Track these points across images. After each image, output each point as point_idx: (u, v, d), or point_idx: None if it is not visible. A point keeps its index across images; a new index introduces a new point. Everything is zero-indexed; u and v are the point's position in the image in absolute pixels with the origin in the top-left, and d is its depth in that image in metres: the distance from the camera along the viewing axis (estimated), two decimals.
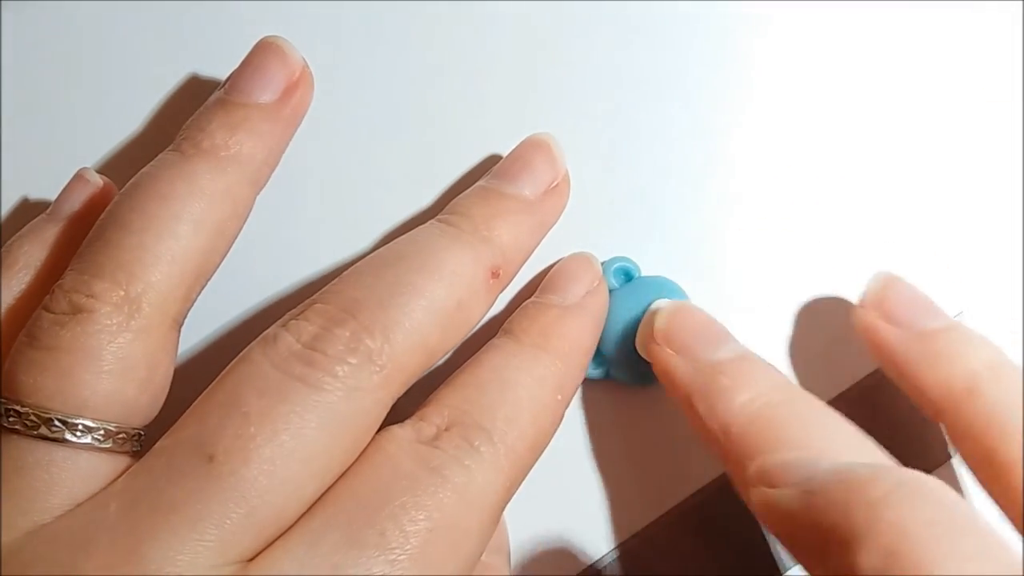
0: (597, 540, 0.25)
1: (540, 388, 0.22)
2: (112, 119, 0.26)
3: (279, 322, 0.21)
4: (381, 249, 0.22)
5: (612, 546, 0.25)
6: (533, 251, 0.24)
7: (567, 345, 0.23)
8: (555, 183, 0.24)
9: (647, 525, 0.25)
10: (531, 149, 0.24)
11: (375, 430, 0.21)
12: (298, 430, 0.19)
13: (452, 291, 0.21)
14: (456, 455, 0.20)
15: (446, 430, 0.21)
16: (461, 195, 0.24)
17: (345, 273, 0.22)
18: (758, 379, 0.22)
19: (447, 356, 0.25)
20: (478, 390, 0.21)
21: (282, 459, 0.19)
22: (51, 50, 0.26)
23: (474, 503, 0.20)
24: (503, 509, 0.21)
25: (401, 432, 0.21)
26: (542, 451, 0.22)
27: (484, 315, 0.23)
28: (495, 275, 0.22)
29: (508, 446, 0.21)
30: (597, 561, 0.25)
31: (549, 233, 0.25)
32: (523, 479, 0.21)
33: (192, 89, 0.26)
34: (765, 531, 0.25)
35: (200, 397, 0.20)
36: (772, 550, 0.25)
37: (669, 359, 0.23)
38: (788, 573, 0.25)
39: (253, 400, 0.19)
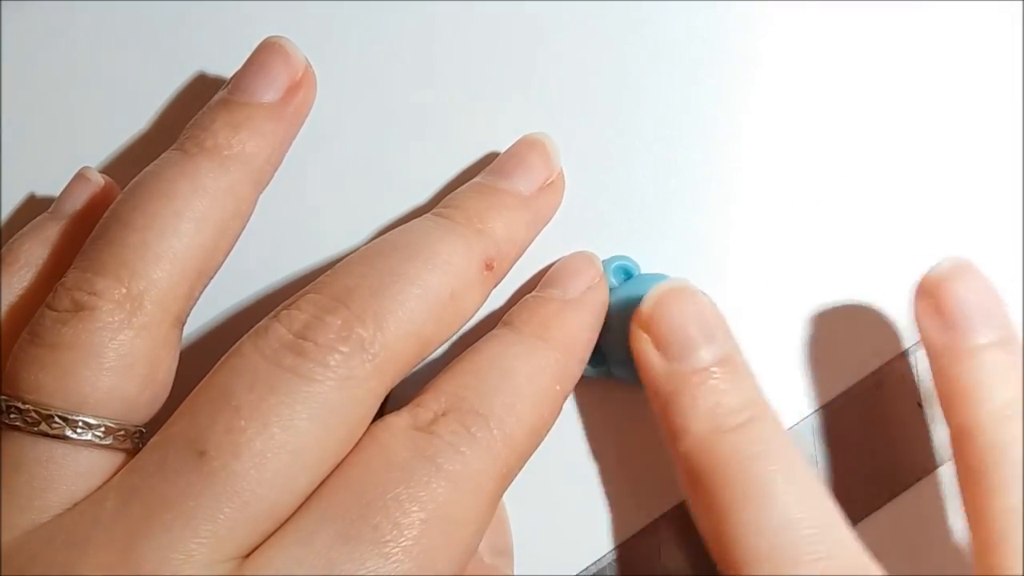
0: (597, 540, 0.25)
1: (539, 377, 0.22)
2: (115, 118, 0.26)
3: (271, 314, 0.21)
4: (375, 240, 0.22)
5: (612, 546, 0.25)
6: (528, 246, 0.24)
7: (567, 337, 0.22)
8: (550, 180, 0.24)
9: (647, 525, 0.25)
10: (526, 147, 0.24)
11: (369, 420, 0.21)
12: (289, 422, 0.19)
13: (446, 281, 0.21)
14: (452, 441, 0.20)
15: (443, 415, 0.20)
16: (456, 191, 0.24)
17: (338, 264, 0.22)
18: (725, 397, 0.21)
19: (444, 350, 0.25)
20: (476, 377, 0.21)
21: (273, 452, 0.19)
22: (52, 50, 0.26)
23: (469, 491, 0.20)
24: (500, 496, 0.21)
25: (396, 420, 0.21)
26: (540, 440, 0.22)
27: (478, 308, 0.22)
28: (489, 267, 0.22)
29: (505, 432, 0.21)
30: (597, 561, 0.25)
31: (550, 232, 0.25)
32: (520, 467, 0.21)
33: (196, 89, 0.26)
34: None
35: (193, 392, 0.20)
36: None
37: (645, 351, 0.22)
38: None
39: (243, 393, 0.19)
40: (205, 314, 0.25)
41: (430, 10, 0.26)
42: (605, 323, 0.24)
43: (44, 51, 0.26)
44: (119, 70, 0.26)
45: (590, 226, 0.26)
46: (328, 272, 0.22)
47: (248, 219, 0.23)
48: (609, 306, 0.24)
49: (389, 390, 0.21)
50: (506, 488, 0.21)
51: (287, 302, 0.21)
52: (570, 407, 0.25)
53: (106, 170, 0.25)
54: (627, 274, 0.25)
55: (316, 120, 0.25)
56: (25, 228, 0.24)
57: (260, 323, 0.21)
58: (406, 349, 0.21)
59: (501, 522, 0.24)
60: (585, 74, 0.26)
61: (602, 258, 0.25)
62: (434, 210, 0.23)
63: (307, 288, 0.21)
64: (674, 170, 0.26)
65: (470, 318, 0.22)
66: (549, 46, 0.26)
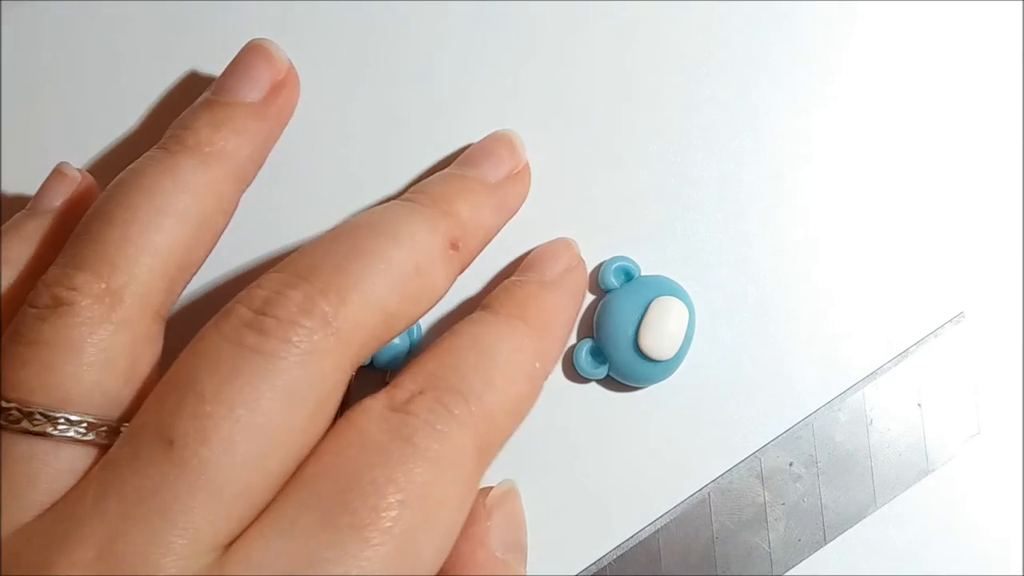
0: (597, 540, 0.25)
1: (517, 355, 0.21)
2: (108, 119, 0.26)
3: (235, 297, 0.21)
4: (339, 223, 0.22)
5: (612, 546, 0.25)
6: (495, 232, 0.24)
7: (545, 317, 0.23)
8: (516, 171, 0.25)
9: (647, 525, 0.25)
10: (493, 140, 0.25)
11: (338, 395, 0.20)
12: (254, 403, 0.19)
13: (410, 255, 0.21)
14: (428, 419, 0.20)
15: (420, 394, 0.20)
16: (424, 180, 0.24)
17: (302, 246, 0.22)
18: None
19: (427, 339, 0.25)
20: (454, 356, 0.21)
21: (241, 435, 0.19)
22: (50, 49, 0.26)
23: (447, 469, 0.20)
24: (480, 474, 0.21)
25: (373, 403, 0.20)
26: (520, 419, 0.21)
27: (446, 288, 0.22)
28: (454, 246, 0.22)
29: (484, 409, 0.20)
30: (597, 561, 0.25)
31: (551, 232, 0.25)
32: (500, 445, 0.21)
33: (187, 89, 0.26)
34: (767, 527, 0.25)
35: (160, 380, 0.20)
36: (771, 547, 0.25)
37: None
38: (788, 573, 0.25)
39: (207, 377, 0.19)
40: (192, 310, 0.25)
41: (423, 10, 0.26)
42: (604, 324, 0.24)
43: (42, 50, 0.26)
44: (114, 71, 0.26)
45: (590, 226, 0.25)
46: (292, 253, 0.22)
47: (231, 216, 0.23)
48: (609, 307, 0.24)
49: (356, 364, 0.21)
50: (486, 466, 0.21)
51: (251, 285, 0.21)
52: (571, 407, 0.25)
53: (98, 169, 0.25)
54: (628, 275, 0.25)
55: (301, 120, 0.25)
56: (3, 225, 0.24)
57: (225, 306, 0.21)
58: (370, 322, 0.21)
59: (516, 518, 0.24)
60: (585, 74, 0.26)
61: (603, 259, 0.25)
62: (401, 196, 0.23)
63: (271, 268, 0.21)
64: (674, 170, 0.26)
65: (439, 298, 0.22)
66: (548, 45, 0.26)
